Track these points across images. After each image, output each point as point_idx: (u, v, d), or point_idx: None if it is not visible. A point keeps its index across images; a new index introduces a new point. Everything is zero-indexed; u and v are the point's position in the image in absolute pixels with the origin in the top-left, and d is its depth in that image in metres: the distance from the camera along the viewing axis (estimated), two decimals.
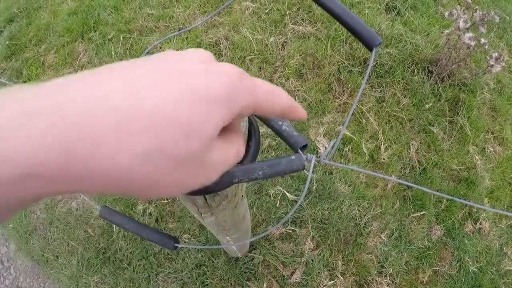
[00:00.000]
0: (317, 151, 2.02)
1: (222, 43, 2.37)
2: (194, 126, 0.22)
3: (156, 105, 0.21)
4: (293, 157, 0.49)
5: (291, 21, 2.45)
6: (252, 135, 0.56)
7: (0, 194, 0.18)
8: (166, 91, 0.22)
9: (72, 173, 0.19)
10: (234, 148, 0.30)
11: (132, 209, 1.97)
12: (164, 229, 1.91)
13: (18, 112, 0.18)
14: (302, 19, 2.47)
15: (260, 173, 0.46)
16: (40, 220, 2.10)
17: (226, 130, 0.30)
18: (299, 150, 0.51)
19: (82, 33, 2.65)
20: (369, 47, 0.55)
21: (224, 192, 0.66)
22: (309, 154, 0.49)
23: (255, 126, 0.57)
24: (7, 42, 2.84)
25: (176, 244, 0.66)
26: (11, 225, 2.15)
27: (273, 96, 0.30)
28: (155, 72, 0.23)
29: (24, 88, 0.20)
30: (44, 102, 0.19)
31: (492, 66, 2.15)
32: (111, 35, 2.56)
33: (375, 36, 0.55)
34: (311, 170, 0.47)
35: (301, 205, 1.92)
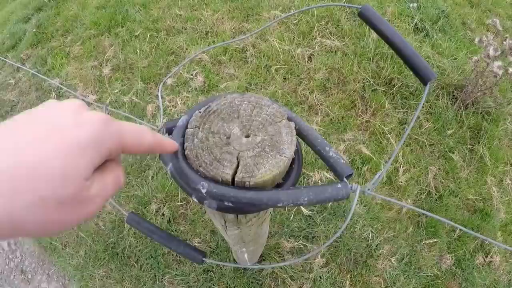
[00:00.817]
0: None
1: (249, 50, 2.36)
2: (68, 173, 0.27)
3: (35, 162, 0.26)
4: (339, 185, 0.48)
5: (319, 34, 2.43)
6: (295, 159, 0.55)
7: None
8: (43, 148, 0.27)
9: None
10: (111, 175, 0.34)
11: (145, 208, 1.96)
12: (176, 231, 1.91)
13: None
14: (330, 33, 2.46)
15: (306, 199, 0.46)
16: None
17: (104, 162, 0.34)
18: (345, 179, 0.50)
19: (109, 27, 2.66)
20: (424, 82, 0.54)
21: None
22: (354, 184, 0.48)
23: (298, 148, 0.56)
24: (34, 30, 2.87)
25: (204, 259, 0.65)
26: None
27: (138, 137, 0.35)
28: (34, 131, 0.28)
29: None
30: None
31: None
32: (138, 32, 2.56)
33: (430, 71, 0.54)
34: (355, 200, 0.47)
35: (314, 221, 1.90)
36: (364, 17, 0.60)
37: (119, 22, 2.68)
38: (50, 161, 0.26)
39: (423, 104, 2.29)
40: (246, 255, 1.46)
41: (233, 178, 0.48)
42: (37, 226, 0.27)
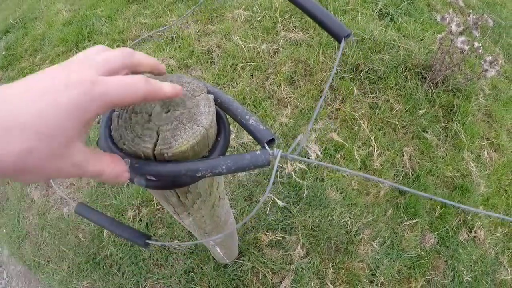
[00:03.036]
0: (309, 157, 2.01)
1: (214, 51, 2.37)
2: (55, 133, 0.30)
3: (30, 118, 0.29)
4: (258, 152, 0.48)
5: (283, 28, 2.45)
6: (221, 130, 0.55)
7: None
8: (35, 108, 0.29)
9: None
10: (98, 167, 0.38)
11: (122, 215, 1.96)
12: (154, 234, 1.90)
13: None
14: (294, 26, 2.47)
15: (224, 167, 0.46)
16: (32, 226, 2.09)
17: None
18: (266, 145, 0.50)
19: (77, 42, 2.67)
20: (338, 39, 0.54)
21: (196, 189, 0.64)
22: (275, 149, 0.48)
23: (224, 121, 0.57)
24: (3, 53, 2.87)
25: (147, 241, 0.65)
26: (4, 231, 2.15)
27: (127, 92, 0.36)
28: (30, 91, 0.30)
29: None
30: None
31: (486, 70, 2.13)
32: (105, 44, 2.56)
33: (343, 28, 0.54)
34: (276, 165, 0.46)
35: (291, 212, 1.90)
36: None
37: (85, 36, 2.69)
38: (40, 122, 0.29)
39: (393, 87, 2.30)
40: (218, 249, 1.46)
41: (154, 153, 0.48)
42: (26, 170, 0.30)
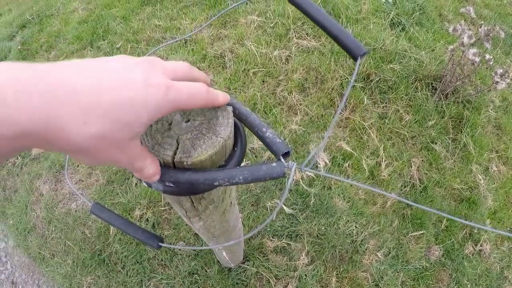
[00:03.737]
0: (317, 166, 2.01)
1: (227, 55, 2.38)
2: (130, 123, 0.32)
3: (109, 106, 0.30)
4: (274, 164, 0.49)
5: (295, 35, 2.46)
6: (237, 141, 0.57)
7: (5, 145, 0.27)
8: (119, 95, 0.31)
9: (47, 137, 0.29)
10: (142, 164, 0.40)
11: (129, 214, 1.97)
12: (160, 235, 1.91)
13: (21, 90, 0.26)
14: (307, 34, 2.48)
15: (241, 177, 0.47)
16: (39, 219, 2.12)
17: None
18: (281, 157, 0.51)
19: (91, 41, 2.70)
20: (354, 58, 0.55)
21: (210, 196, 0.66)
22: (290, 162, 0.49)
23: (241, 132, 0.58)
24: (19, 47, 2.91)
25: (160, 244, 0.67)
26: (11, 222, 2.18)
27: (193, 99, 0.39)
28: (116, 77, 0.32)
29: (25, 66, 0.28)
30: (40, 84, 0.28)
31: (497, 82, 2.12)
32: (119, 45, 2.60)
33: (360, 46, 0.55)
34: (291, 177, 0.47)
35: (297, 219, 1.91)
36: (294, 2, 0.61)
37: (100, 35, 2.72)
38: (119, 111, 0.31)
39: (403, 97, 2.30)
40: (224, 253, 1.47)
41: (173, 161, 0.50)
42: (90, 152, 0.32)
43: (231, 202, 0.84)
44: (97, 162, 0.34)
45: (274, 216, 1.91)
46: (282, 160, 0.50)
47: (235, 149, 0.56)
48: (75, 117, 0.29)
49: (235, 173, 0.47)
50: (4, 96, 0.26)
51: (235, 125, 0.59)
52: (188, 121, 0.54)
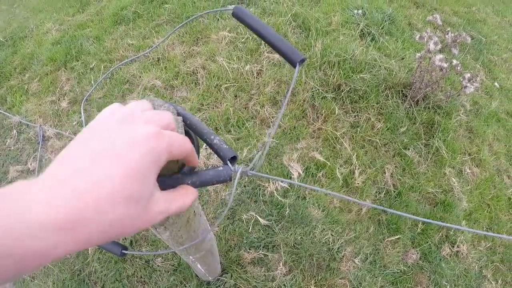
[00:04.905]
0: (290, 177, 2.05)
1: (199, 72, 2.43)
2: (136, 195, 0.32)
3: (109, 190, 0.30)
4: (221, 168, 0.53)
5: (266, 50, 2.51)
6: None
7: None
8: (113, 175, 0.30)
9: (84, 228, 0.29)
10: (179, 201, 0.41)
11: None
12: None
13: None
14: None
15: (189, 182, 0.50)
16: None
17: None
18: (228, 162, 0.55)
19: (65, 62, 2.73)
20: (293, 64, 0.59)
21: None
22: (236, 166, 0.53)
23: (194, 139, 0.62)
24: None
25: (123, 251, 0.69)
26: None
27: (183, 146, 0.39)
28: (104, 160, 0.31)
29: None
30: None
31: (465, 87, 2.18)
32: (93, 65, 2.63)
33: (297, 54, 0.59)
34: (236, 179, 0.51)
35: (273, 230, 1.93)
36: (237, 16, 0.65)
37: (74, 56, 2.75)
38: (122, 189, 0.31)
39: (374, 105, 2.35)
40: (199, 265, 1.48)
41: None
42: (120, 227, 0.32)
43: (194, 211, 0.87)
44: (138, 230, 0.35)
45: (251, 228, 1.94)
46: (229, 164, 0.54)
47: None
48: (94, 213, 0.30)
49: (182, 178, 0.50)
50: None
51: (188, 134, 0.63)
52: None
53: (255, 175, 0.56)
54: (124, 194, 0.31)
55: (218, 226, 1.93)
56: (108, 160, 0.31)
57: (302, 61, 0.58)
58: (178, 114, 0.62)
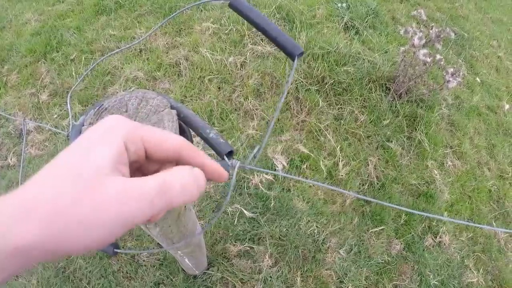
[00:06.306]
0: (275, 168, 2.04)
1: (182, 63, 2.40)
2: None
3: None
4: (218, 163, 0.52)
5: (250, 41, 2.50)
6: None
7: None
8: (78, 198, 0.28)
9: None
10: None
11: None
12: (123, 247, 1.90)
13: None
14: (261, 39, 2.52)
15: None
16: None
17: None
18: (225, 157, 0.53)
19: (45, 53, 2.65)
20: (292, 57, 0.58)
21: None
22: (234, 160, 0.51)
23: (187, 135, 0.60)
24: None
25: (116, 250, 0.67)
26: None
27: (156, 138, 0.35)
28: (57, 179, 0.28)
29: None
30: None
31: (448, 81, 2.21)
32: (73, 56, 2.57)
33: (297, 47, 0.57)
34: (234, 175, 0.50)
35: (258, 222, 1.92)
36: (234, 7, 0.63)
37: (54, 47, 2.67)
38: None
39: (358, 98, 2.36)
40: (187, 260, 1.47)
41: None
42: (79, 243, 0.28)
43: (185, 207, 0.85)
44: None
45: (236, 221, 1.93)
46: (226, 159, 0.52)
47: None
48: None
49: None
50: None
51: (181, 128, 0.61)
52: None
53: (252, 169, 0.54)
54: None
55: (203, 219, 1.92)
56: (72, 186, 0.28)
57: (301, 54, 0.57)
58: (172, 107, 0.60)
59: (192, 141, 0.62)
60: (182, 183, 0.33)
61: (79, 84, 2.39)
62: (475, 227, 2.26)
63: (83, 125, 0.56)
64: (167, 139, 0.35)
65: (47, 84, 2.47)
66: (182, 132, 0.61)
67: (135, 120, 0.55)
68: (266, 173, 2.01)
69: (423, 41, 2.20)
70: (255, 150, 0.53)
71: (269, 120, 2.21)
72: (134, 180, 0.31)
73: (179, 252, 1.22)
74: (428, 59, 2.20)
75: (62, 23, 2.85)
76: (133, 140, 0.33)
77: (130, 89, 2.27)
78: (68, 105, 0.81)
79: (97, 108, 0.59)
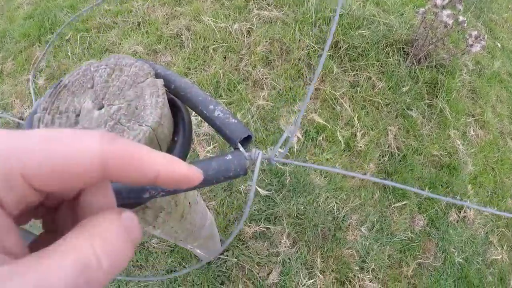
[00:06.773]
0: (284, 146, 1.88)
1: (184, 34, 2.22)
2: None
3: None
4: (229, 156, 0.35)
5: (255, 6, 2.32)
6: (179, 127, 0.42)
7: None
8: None
9: None
10: None
11: None
12: None
13: None
14: (268, 4, 2.34)
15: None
16: None
17: None
18: (239, 145, 0.36)
19: (39, 36, 2.48)
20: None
21: (155, 203, 0.50)
22: (254, 150, 0.34)
23: (183, 113, 0.42)
24: None
25: None
26: None
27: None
28: None
29: None
30: None
31: (471, 45, 2.05)
32: (69, 36, 2.39)
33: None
34: (256, 173, 0.33)
35: (274, 200, 1.77)
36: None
37: (48, 29, 2.50)
38: None
39: (374, 63, 2.19)
40: (198, 250, 1.33)
41: None
42: None
43: (189, 203, 0.67)
44: None
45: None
46: (241, 149, 0.35)
47: (176, 138, 0.41)
48: None
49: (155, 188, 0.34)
50: None
51: (174, 105, 0.42)
52: (102, 107, 0.38)
53: (281, 162, 0.37)
54: None
55: (215, 200, 1.76)
56: None
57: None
58: (157, 76, 0.41)
59: (190, 124, 0.43)
60: (108, 252, 0.19)
61: (74, 64, 2.22)
62: (499, 204, 2.14)
63: (36, 112, 0.38)
64: (72, 159, 0.19)
65: (44, 68, 2.31)
66: (177, 110, 0.42)
67: (103, 99, 0.38)
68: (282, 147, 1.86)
69: (445, 1, 2.02)
70: (284, 135, 0.40)
71: (280, 90, 2.03)
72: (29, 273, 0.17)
73: (189, 246, 1.06)
74: (450, 21, 2.02)
75: (54, 3, 2.68)
76: (9, 186, 0.18)
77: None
78: (31, 88, 0.62)
79: (53, 87, 0.41)
